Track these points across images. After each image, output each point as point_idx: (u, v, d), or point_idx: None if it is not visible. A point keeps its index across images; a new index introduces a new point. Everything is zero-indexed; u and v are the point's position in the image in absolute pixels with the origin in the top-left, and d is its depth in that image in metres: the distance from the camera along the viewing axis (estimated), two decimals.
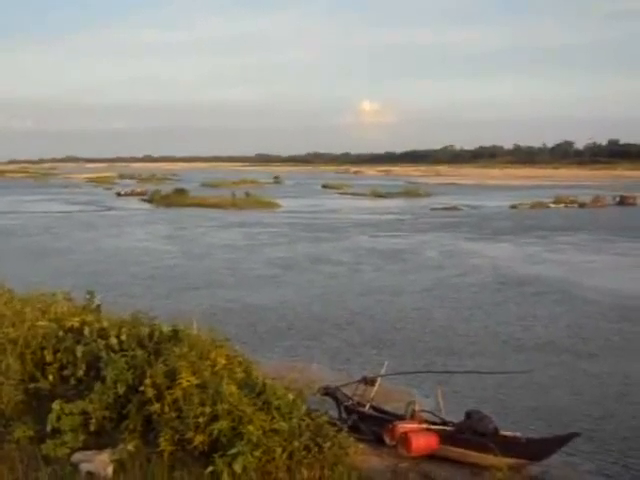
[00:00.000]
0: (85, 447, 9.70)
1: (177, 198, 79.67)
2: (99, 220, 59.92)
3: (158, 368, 9.69)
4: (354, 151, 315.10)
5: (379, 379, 13.59)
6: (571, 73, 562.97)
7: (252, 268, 33.89)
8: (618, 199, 79.35)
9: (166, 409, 9.34)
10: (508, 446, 11.51)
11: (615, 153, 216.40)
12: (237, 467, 8.61)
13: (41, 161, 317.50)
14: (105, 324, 11.26)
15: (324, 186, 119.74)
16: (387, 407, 13.52)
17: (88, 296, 13.12)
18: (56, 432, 9.74)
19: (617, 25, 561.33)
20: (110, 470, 9.28)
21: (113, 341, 10.66)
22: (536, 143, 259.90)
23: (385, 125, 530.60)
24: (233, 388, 9.47)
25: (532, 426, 13.43)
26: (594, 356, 18.74)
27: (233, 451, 8.70)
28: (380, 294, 27.08)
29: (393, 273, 32.57)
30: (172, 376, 9.55)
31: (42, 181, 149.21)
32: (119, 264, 34.91)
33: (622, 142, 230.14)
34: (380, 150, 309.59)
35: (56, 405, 9.86)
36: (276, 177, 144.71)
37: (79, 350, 10.63)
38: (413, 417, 12.41)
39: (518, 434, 11.95)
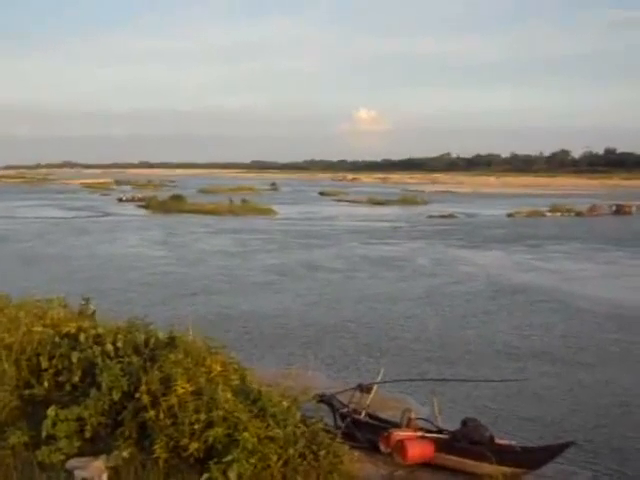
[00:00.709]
0: (80, 453, 9.68)
1: (174, 204, 79.60)
2: (95, 226, 59.82)
3: (153, 375, 9.67)
4: (351, 158, 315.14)
5: (375, 387, 13.57)
6: (569, 83, 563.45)
7: (248, 275, 33.87)
8: (614, 208, 79.40)
9: (161, 416, 9.33)
10: (503, 455, 11.51)
11: (612, 162, 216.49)
12: (232, 474, 8.60)
13: (38, 166, 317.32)
14: (101, 330, 11.24)
15: (321, 193, 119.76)
16: (383, 415, 13.51)
17: (84, 302, 13.11)
18: (51, 438, 9.72)
19: (615, 36, 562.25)
20: (105, 477, 9.26)
21: (109, 347, 10.64)
22: (533, 152, 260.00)
23: (382, 133, 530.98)
24: (228, 395, 9.46)
25: (527, 435, 13.42)
26: (589, 366, 18.73)
27: (228, 458, 8.69)
28: (375, 302, 27.07)
29: (389, 280, 32.57)
30: (167, 383, 9.55)
31: (38, 186, 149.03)
32: (115, 270, 34.87)
33: (619, 151, 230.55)
34: (377, 158, 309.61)
35: (51, 411, 9.84)
36: (273, 184, 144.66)
37: (74, 356, 10.61)
38: (409, 425, 12.41)
39: (513, 443, 11.96)
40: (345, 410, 13.20)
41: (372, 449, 12.21)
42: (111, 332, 11.06)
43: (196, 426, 9.10)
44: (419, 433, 12.18)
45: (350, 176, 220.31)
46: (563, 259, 40.56)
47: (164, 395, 9.44)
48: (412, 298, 28.01)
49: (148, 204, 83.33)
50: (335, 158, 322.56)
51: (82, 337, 11.03)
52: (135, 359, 10.20)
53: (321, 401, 13.22)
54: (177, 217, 68.91)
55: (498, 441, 11.93)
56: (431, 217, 69.92)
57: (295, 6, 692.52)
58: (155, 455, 9.20)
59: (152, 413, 9.38)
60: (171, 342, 10.64)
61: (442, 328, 22.85)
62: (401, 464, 11.78)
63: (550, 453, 11.66)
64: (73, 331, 11.22)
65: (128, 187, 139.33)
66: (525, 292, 29.43)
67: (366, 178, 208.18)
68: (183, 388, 9.38)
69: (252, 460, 8.72)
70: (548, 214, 74.11)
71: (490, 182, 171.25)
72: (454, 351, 20.06)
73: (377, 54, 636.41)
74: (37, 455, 9.54)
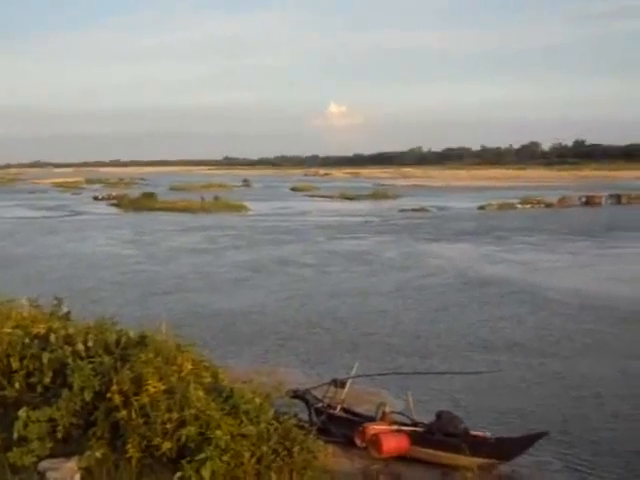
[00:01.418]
0: (52, 455, 9.61)
1: (145, 202, 79.26)
2: (66, 225, 59.43)
3: (124, 374, 9.60)
4: (322, 154, 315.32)
5: (349, 381, 13.58)
6: (538, 76, 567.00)
7: (221, 272, 33.82)
8: (584, 199, 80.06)
9: (133, 415, 9.26)
10: (478, 446, 11.56)
11: (581, 154, 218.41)
12: (205, 472, 8.56)
13: (7, 166, 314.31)
14: (71, 330, 11.13)
15: (293, 189, 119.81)
16: (358, 409, 13.52)
17: (56, 302, 12.99)
18: (22, 440, 9.62)
19: (584, 28, 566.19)
20: (77, 478, 9.20)
21: (80, 347, 10.54)
22: (503, 144, 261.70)
23: (353, 128, 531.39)
24: (200, 393, 9.42)
25: (500, 426, 13.47)
26: (562, 357, 18.84)
27: (201, 456, 8.65)
28: (348, 296, 27.11)
29: (361, 275, 32.63)
30: (139, 382, 9.48)
31: (8, 187, 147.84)
32: (86, 269, 34.64)
33: (588, 143, 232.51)
34: (348, 152, 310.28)
35: (22, 413, 9.74)
36: (245, 180, 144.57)
37: (45, 357, 10.50)
38: (383, 419, 12.44)
39: (488, 434, 12.00)
40: (320, 405, 13.20)
41: (347, 443, 12.22)
42: (82, 332, 10.96)
43: (168, 425, 9.05)
44: (394, 427, 12.20)
45: (322, 171, 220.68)
46: (533, 251, 40.83)
47: (136, 395, 9.37)
48: (384, 292, 28.07)
49: (119, 202, 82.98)
50: (306, 154, 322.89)
51: (52, 337, 10.92)
52: (106, 359, 10.12)
53: (295, 397, 13.21)
54: (149, 215, 68.62)
55: (472, 433, 11.98)
56: (403, 211, 70.09)
57: (263, 1, 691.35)
58: (128, 455, 9.14)
59: (124, 413, 9.32)
60: (142, 341, 10.57)
61: (415, 322, 22.92)
62: (376, 458, 11.81)
63: (524, 444, 11.72)
64: (43, 332, 11.10)
65: (99, 186, 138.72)
66: (495, 284, 29.59)
67: (338, 173, 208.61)
68: (155, 387, 9.32)
69: (225, 458, 8.69)
70: (519, 206, 74.57)
71: (461, 175, 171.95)
72: (427, 344, 20.12)
73: (347, 49, 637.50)
74: (9, 457, 9.44)
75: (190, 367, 9.94)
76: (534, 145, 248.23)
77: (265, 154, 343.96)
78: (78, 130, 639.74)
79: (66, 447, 9.72)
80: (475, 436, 11.90)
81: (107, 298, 26.11)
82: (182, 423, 9.06)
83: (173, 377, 9.62)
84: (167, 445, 8.99)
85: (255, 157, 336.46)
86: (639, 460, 12.38)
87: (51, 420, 9.74)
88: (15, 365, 10.75)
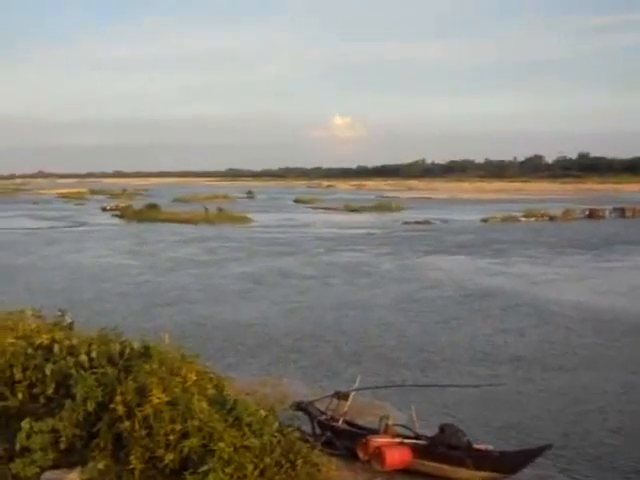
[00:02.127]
0: (55, 466, 9.61)
1: (149, 213, 79.27)
2: (70, 236, 59.43)
3: (128, 385, 9.61)
4: (326, 165, 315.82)
5: (352, 393, 13.54)
6: (542, 88, 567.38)
7: (224, 283, 33.81)
8: (587, 212, 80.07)
9: (136, 427, 9.26)
10: (481, 459, 11.50)
11: (585, 167, 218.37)
12: None
13: (12, 177, 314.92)
14: (75, 341, 11.14)
15: (296, 200, 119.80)
16: (360, 421, 13.48)
17: (59, 313, 12.99)
18: (25, 451, 9.64)
19: (588, 41, 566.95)
20: None
21: (83, 358, 10.55)
22: (507, 157, 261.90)
23: (356, 140, 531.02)
24: (204, 404, 9.41)
25: (504, 439, 13.45)
26: (565, 370, 18.81)
27: (204, 468, 8.65)
28: (351, 309, 27.10)
29: (363, 287, 32.62)
30: (142, 393, 9.48)
31: (12, 197, 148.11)
32: (90, 281, 34.63)
33: (592, 156, 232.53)
34: (352, 164, 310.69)
35: (25, 423, 9.76)
36: (249, 192, 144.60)
37: (48, 368, 10.52)
38: (386, 431, 12.38)
39: (491, 447, 11.95)
40: (323, 418, 13.16)
41: (350, 456, 12.18)
42: (85, 343, 10.97)
43: (171, 436, 9.05)
44: (397, 439, 12.15)
45: (325, 183, 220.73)
46: (534, 264, 40.79)
47: (139, 405, 9.38)
48: (386, 305, 28.05)
49: (123, 213, 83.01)
50: (310, 165, 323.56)
51: (56, 348, 10.94)
52: (110, 370, 10.13)
53: (298, 409, 13.19)
54: (152, 226, 68.67)
55: (476, 446, 11.92)
56: (406, 223, 70.07)
57: (263, 13, 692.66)
58: (131, 466, 9.14)
59: (127, 424, 9.32)
60: (146, 352, 10.57)
61: (417, 335, 22.88)
62: (379, 471, 11.74)
63: (527, 457, 11.65)
64: (47, 342, 11.12)
65: (102, 196, 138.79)
66: (497, 297, 29.62)
67: (341, 185, 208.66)
68: (158, 398, 9.31)
69: (228, 470, 8.68)
70: (522, 219, 74.52)
71: (464, 188, 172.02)
72: (430, 358, 20.08)
73: (349, 60, 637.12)
74: (11, 468, 9.46)
75: (194, 378, 9.93)
76: (538, 158, 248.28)
77: (268, 166, 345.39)
78: (82, 141, 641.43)
79: (69, 458, 9.73)
80: (478, 449, 11.85)
81: (110, 309, 26.12)
82: (185, 434, 9.06)
83: (177, 388, 9.61)
84: (170, 457, 8.98)
85: (258, 169, 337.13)
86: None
87: (54, 431, 9.74)
88: (18, 376, 10.76)
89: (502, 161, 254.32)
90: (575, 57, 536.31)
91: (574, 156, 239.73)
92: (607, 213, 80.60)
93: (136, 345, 10.84)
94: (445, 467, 11.66)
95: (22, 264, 41.01)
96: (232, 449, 8.82)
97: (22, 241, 54.84)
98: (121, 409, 9.42)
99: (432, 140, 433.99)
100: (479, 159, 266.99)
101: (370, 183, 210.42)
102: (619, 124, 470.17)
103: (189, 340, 15.31)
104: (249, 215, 76.54)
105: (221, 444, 8.78)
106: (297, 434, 9.75)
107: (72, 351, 10.84)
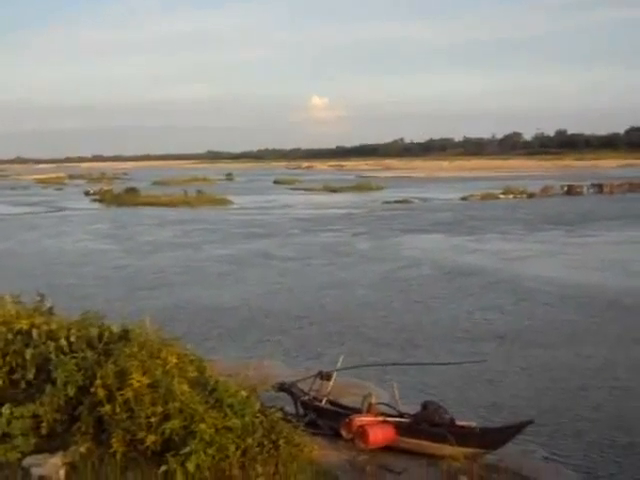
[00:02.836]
0: (37, 451, 9.58)
1: (128, 197, 79.03)
2: (48, 221, 59.11)
3: (108, 369, 9.57)
4: (305, 146, 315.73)
5: (335, 373, 13.56)
6: (519, 65, 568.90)
7: (205, 266, 33.74)
8: (566, 189, 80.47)
9: (117, 410, 9.23)
10: (464, 436, 11.55)
11: (563, 144, 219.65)
12: (190, 466, 8.56)
13: None
14: (54, 326, 11.08)
15: (276, 182, 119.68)
16: (344, 401, 13.51)
17: (39, 298, 12.90)
18: (6, 436, 9.61)
19: (565, 17, 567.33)
20: (62, 473, 9.18)
21: (63, 343, 10.50)
22: (485, 135, 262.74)
23: (335, 120, 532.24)
24: (185, 387, 9.40)
25: (487, 414, 13.52)
26: (547, 347, 18.86)
27: (186, 450, 8.64)
28: (331, 289, 27.13)
29: (344, 267, 32.62)
30: (123, 376, 9.44)
31: None
32: (69, 265, 34.48)
33: (570, 132, 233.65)
34: (331, 145, 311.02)
35: (6, 409, 9.72)
36: (229, 174, 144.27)
37: (28, 353, 10.45)
38: (369, 410, 12.41)
39: (473, 424, 12.01)
40: (306, 398, 13.18)
41: (334, 436, 12.20)
42: (64, 327, 10.90)
43: (153, 419, 9.03)
44: (380, 418, 12.19)
45: (305, 164, 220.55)
46: (513, 240, 41.01)
47: (120, 389, 9.34)
48: (367, 284, 28.08)
49: (102, 198, 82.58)
50: (289, 146, 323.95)
51: (35, 333, 10.87)
52: (89, 354, 10.08)
53: (281, 389, 13.22)
54: (131, 210, 68.43)
55: (458, 423, 11.98)
56: (386, 203, 70.11)
57: None
58: (112, 449, 9.13)
59: (108, 407, 9.29)
60: (125, 335, 10.53)
61: (398, 314, 22.94)
62: (363, 449, 11.79)
63: (509, 433, 11.72)
64: (26, 327, 11.04)
65: (81, 181, 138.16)
66: (477, 274, 29.78)
67: (320, 165, 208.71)
68: (139, 381, 9.28)
69: (210, 451, 8.68)
70: (501, 196, 74.80)
71: (444, 166, 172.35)
72: (411, 336, 20.11)
73: (327, 41, 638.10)
74: None
75: (175, 361, 9.89)
76: (516, 135, 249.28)
77: (248, 147, 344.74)
78: (60, 125, 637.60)
79: (50, 443, 9.70)
80: (461, 426, 11.90)
81: (91, 294, 25.93)
82: (166, 417, 9.04)
83: (157, 371, 9.58)
84: (151, 439, 8.97)
85: (238, 150, 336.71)
86: (620, 449, 12.45)
87: (35, 416, 9.71)
88: None
89: (481, 139, 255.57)
90: (554, 33, 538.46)
91: (552, 133, 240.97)
92: (585, 189, 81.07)
93: (115, 329, 10.80)
94: (428, 444, 11.71)
95: (1, 250, 40.73)
96: (213, 430, 8.81)
97: (1, 227, 54.45)
98: (102, 393, 9.39)
99: (411, 119, 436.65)
100: (458, 137, 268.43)
101: (349, 163, 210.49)
102: (598, 101, 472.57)
103: (170, 323, 15.25)
104: (229, 197, 76.35)
105: (202, 425, 8.77)
106: (280, 415, 9.74)
107: (52, 336, 10.77)
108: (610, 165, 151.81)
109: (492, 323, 21.48)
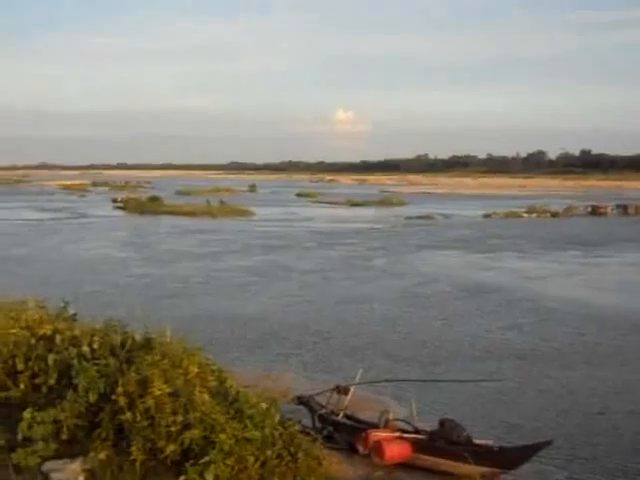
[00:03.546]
0: (56, 456, 9.64)
1: (151, 206, 79.25)
2: (71, 228, 59.43)
3: (130, 376, 9.64)
4: (329, 160, 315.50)
5: (353, 387, 13.59)
6: (546, 84, 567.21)
7: (226, 276, 33.83)
8: (590, 209, 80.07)
9: (138, 418, 9.30)
10: (481, 455, 11.54)
11: (587, 163, 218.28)
12: (209, 476, 8.60)
13: (14, 168, 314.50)
14: (77, 332, 11.19)
15: (299, 194, 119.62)
16: (361, 416, 13.52)
17: (63, 305, 13.01)
18: (27, 441, 9.68)
19: (592, 37, 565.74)
20: (81, 479, 9.22)
21: (85, 349, 10.59)
22: (509, 153, 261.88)
23: (359, 134, 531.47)
24: (205, 396, 9.45)
25: (504, 434, 13.48)
26: (567, 367, 18.78)
27: (205, 460, 8.69)
28: (351, 303, 27.13)
29: (365, 281, 32.61)
30: (144, 384, 9.52)
31: (14, 188, 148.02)
32: (92, 273, 34.58)
33: (594, 152, 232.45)
34: (354, 159, 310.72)
35: (27, 413, 9.80)
36: (252, 185, 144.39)
37: (51, 358, 10.56)
38: (386, 426, 12.43)
39: (491, 443, 11.99)
40: (323, 411, 13.20)
41: (350, 450, 12.22)
42: (87, 334, 11.01)
43: (173, 428, 9.08)
44: (397, 434, 12.20)
45: (328, 177, 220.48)
46: (536, 260, 40.80)
47: (141, 397, 9.41)
48: (388, 299, 28.07)
49: (125, 206, 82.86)
50: (313, 159, 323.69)
51: (58, 339, 10.98)
52: (112, 361, 10.16)
53: (300, 403, 13.26)
54: (154, 219, 68.66)
55: (475, 441, 11.97)
56: (408, 218, 69.97)
57: (265, 5, 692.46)
58: (132, 457, 9.19)
59: (129, 415, 9.35)
60: (147, 344, 10.61)
61: (417, 330, 22.90)
62: (379, 465, 11.80)
63: (527, 453, 11.69)
64: (49, 333, 11.17)
65: (105, 188, 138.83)
66: (498, 292, 29.77)
67: (344, 179, 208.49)
68: (160, 390, 9.35)
69: (229, 462, 8.72)
70: (525, 215, 74.45)
71: (467, 183, 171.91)
72: (430, 353, 20.10)
73: (353, 54, 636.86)
74: (13, 458, 9.49)
75: (196, 370, 9.97)
76: (541, 154, 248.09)
77: (271, 159, 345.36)
78: (85, 133, 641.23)
79: (70, 448, 9.77)
80: (478, 445, 11.89)
81: (112, 302, 25.92)
82: (187, 426, 9.09)
83: (179, 380, 9.65)
84: (171, 448, 9.02)
85: (261, 162, 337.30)
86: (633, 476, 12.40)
87: (56, 421, 9.79)
88: (20, 366, 10.81)
89: (505, 157, 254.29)
90: (579, 52, 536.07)
91: (577, 152, 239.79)
92: (610, 210, 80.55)
93: (138, 337, 10.88)
94: (444, 462, 11.70)
95: (24, 255, 40.99)
96: (233, 441, 8.86)
97: (23, 232, 54.80)
98: (123, 400, 9.46)
99: (435, 135, 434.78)
100: (482, 155, 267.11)
101: (372, 178, 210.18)
102: (623, 121, 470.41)
103: (190, 333, 15.30)
104: (251, 209, 76.45)
105: (222, 436, 8.81)
106: (298, 427, 9.77)
107: (74, 342, 10.88)
108: (635, 186, 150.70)
109: (511, 342, 21.40)
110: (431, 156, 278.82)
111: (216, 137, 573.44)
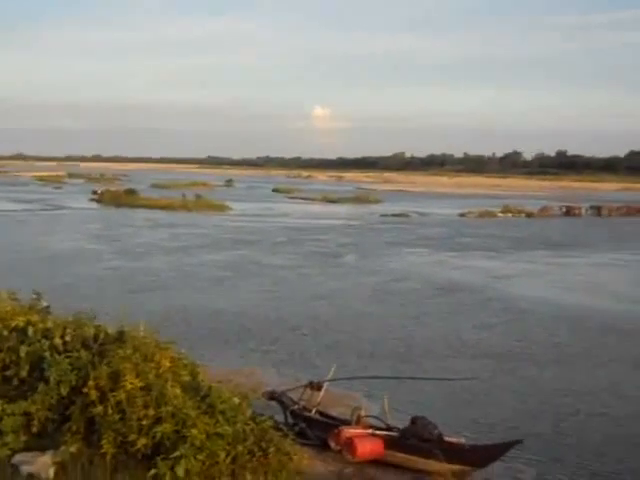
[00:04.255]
0: (27, 449, 9.60)
1: (127, 198, 78.98)
2: (45, 219, 59.08)
3: (102, 370, 9.61)
4: (306, 156, 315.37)
5: (325, 384, 13.61)
6: (522, 85, 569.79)
7: (199, 271, 33.73)
8: (564, 210, 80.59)
9: (109, 411, 9.27)
10: (452, 452, 11.60)
11: (563, 164, 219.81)
12: (180, 470, 8.58)
13: None
14: (50, 324, 11.11)
15: (275, 190, 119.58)
16: (333, 412, 13.55)
17: (35, 296, 12.93)
18: None
19: (570, 40, 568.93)
20: (51, 472, 9.20)
21: (57, 342, 10.53)
22: (486, 152, 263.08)
23: (337, 131, 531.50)
24: (177, 391, 9.43)
25: (476, 432, 13.55)
26: (539, 366, 18.92)
27: (176, 454, 8.67)
28: (324, 299, 27.18)
29: (338, 278, 32.68)
30: (116, 378, 9.49)
31: None
32: (64, 265, 34.39)
33: (570, 153, 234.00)
34: (332, 155, 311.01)
35: None
36: (228, 180, 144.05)
37: (23, 350, 10.49)
38: (359, 422, 12.46)
39: (462, 440, 12.06)
40: (295, 407, 13.22)
41: (322, 446, 12.25)
42: (60, 326, 10.94)
43: (144, 422, 9.06)
44: (369, 430, 12.24)
45: (304, 173, 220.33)
46: (510, 261, 40.92)
47: (112, 390, 9.39)
48: (361, 296, 28.16)
49: (100, 198, 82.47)
50: (290, 155, 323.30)
51: (30, 331, 10.90)
52: (84, 354, 10.12)
53: (272, 398, 13.26)
54: (130, 211, 68.39)
55: (447, 439, 12.03)
56: (384, 216, 70.12)
57: (246, 3, 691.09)
58: (102, 450, 9.16)
59: (100, 408, 9.32)
60: (120, 337, 10.57)
61: (391, 327, 22.95)
62: (351, 461, 11.83)
63: (498, 451, 11.78)
64: (22, 325, 11.08)
65: (80, 180, 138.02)
66: (470, 291, 29.95)
67: (321, 176, 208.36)
68: (132, 384, 9.32)
69: (200, 456, 8.71)
70: (500, 215, 74.83)
71: (443, 182, 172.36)
72: (403, 350, 20.15)
73: (332, 52, 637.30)
74: None
75: (168, 365, 9.94)
76: (516, 154, 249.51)
77: (248, 154, 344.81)
78: (61, 124, 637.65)
79: (41, 441, 9.73)
80: (450, 442, 11.95)
81: (85, 295, 25.80)
82: (158, 420, 9.07)
83: (151, 374, 9.62)
84: (142, 441, 9.00)
85: (238, 157, 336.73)
86: (608, 468, 12.51)
87: (26, 414, 9.74)
88: None
89: (481, 156, 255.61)
90: (558, 55, 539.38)
91: (552, 153, 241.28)
92: (584, 211, 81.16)
93: (110, 330, 10.84)
94: (416, 459, 11.76)
95: None
96: (204, 436, 8.84)
97: None
98: (94, 393, 9.43)
99: (412, 133, 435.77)
100: (458, 154, 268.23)
101: (349, 174, 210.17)
102: (598, 123, 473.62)
103: (164, 327, 15.24)
104: (227, 203, 76.29)
105: (194, 430, 8.80)
106: (270, 423, 9.78)
107: (47, 334, 10.81)
108: (609, 188, 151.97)
109: (483, 341, 21.47)
110: (408, 154, 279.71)
111: (193, 131, 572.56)
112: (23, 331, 10.94)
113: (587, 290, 31.57)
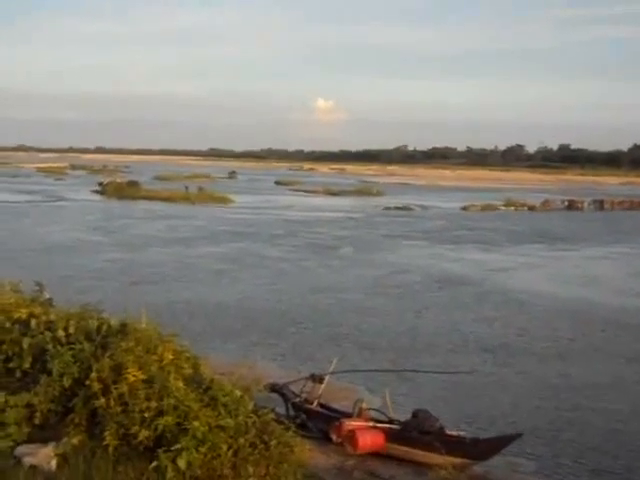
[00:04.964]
0: (29, 440, 9.63)
1: (129, 190, 78.89)
2: (47, 211, 59.07)
3: (104, 362, 9.64)
4: (308, 148, 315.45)
5: (327, 376, 13.64)
6: (525, 77, 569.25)
7: (202, 263, 33.75)
8: (567, 203, 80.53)
9: (112, 403, 9.29)
10: (453, 445, 11.65)
11: (565, 158, 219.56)
12: (181, 463, 8.60)
13: None
14: (53, 316, 11.14)
15: (277, 182, 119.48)
16: (335, 405, 13.59)
17: (37, 288, 12.97)
18: (0, 425, 9.65)
19: (573, 32, 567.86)
20: (54, 464, 9.23)
21: (60, 334, 10.56)
22: (488, 146, 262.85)
23: (339, 123, 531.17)
24: (180, 383, 9.46)
25: (476, 426, 13.59)
26: (541, 360, 18.96)
27: (177, 446, 8.69)
28: (326, 292, 27.19)
29: (340, 270, 32.76)
30: (118, 370, 9.52)
31: None
32: (66, 257, 34.43)
33: (573, 147, 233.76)
34: (334, 148, 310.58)
35: (0, 397, 9.76)
36: (231, 172, 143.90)
37: (25, 342, 10.52)
38: (360, 415, 12.50)
39: (463, 434, 12.10)
40: (297, 400, 13.26)
41: (324, 439, 12.29)
42: (63, 318, 10.96)
43: (146, 414, 9.09)
44: (370, 423, 12.28)
45: (307, 166, 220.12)
46: (513, 254, 40.95)
47: (115, 383, 9.42)
48: (363, 289, 28.19)
49: (103, 190, 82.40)
50: (292, 147, 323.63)
51: (33, 323, 10.94)
52: (87, 346, 10.14)
53: (273, 391, 13.30)
54: (132, 203, 68.34)
55: (448, 432, 12.07)
56: (386, 209, 70.05)
57: None
58: (105, 442, 9.18)
59: (103, 400, 9.35)
60: (123, 329, 10.60)
61: (392, 320, 22.97)
62: (352, 454, 11.88)
63: (498, 444, 11.81)
64: (24, 317, 11.11)
65: (83, 172, 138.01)
66: (472, 285, 29.97)
67: (323, 168, 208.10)
68: (134, 376, 9.35)
69: (202, 449, 8.73)
70: (502, 208, 74.75)
71: (446, 175, 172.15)
72: (405, 344, 20.20)
73: (334, 43, 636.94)
74: None
75: (171, 357, 9.96)
76: (519, 147, 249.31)
77: (250, 146, 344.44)
78: (64, 116, 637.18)
79: (43, 433, 9.76)
80: (450, 435, 11.99)
81: (87, 287, 25.90)
82: (160, 413, 9.09)
83: (153, 366, 9.64)
84: (144, 434, 9.02)
85: (240, 149, 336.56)
86: (607, 465, 12.55)
87: (29, 405, 9.77)
88: None
89: (484, 149, 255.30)
90: (561, 48, 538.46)
91: (555, 147, 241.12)
92: (586, 205, 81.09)
93: (113, 322, 10.87)
94: (417, 452, 11.80)
95: None
96: (207, 428, 8.87)
97: None
98: (97, 386, 9.45)
99: (415, 126, 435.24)
100: (461, 147, 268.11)
101: (351, 167, 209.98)
102: (602, 117, 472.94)
103: (166, 319, 15.29)
104: (230, 196, 76.25)
105: (196, 423, 8.82)
106: (272, 415, 9.81)
107: (50, 326, 10.84)
108: (611, 182, 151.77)
109: (484, 335, 21.48)
110: (410, 147, 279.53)
111: (195, 123, 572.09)
112: (26, 323, 10.98)
113: (588, 283, 31.63)
